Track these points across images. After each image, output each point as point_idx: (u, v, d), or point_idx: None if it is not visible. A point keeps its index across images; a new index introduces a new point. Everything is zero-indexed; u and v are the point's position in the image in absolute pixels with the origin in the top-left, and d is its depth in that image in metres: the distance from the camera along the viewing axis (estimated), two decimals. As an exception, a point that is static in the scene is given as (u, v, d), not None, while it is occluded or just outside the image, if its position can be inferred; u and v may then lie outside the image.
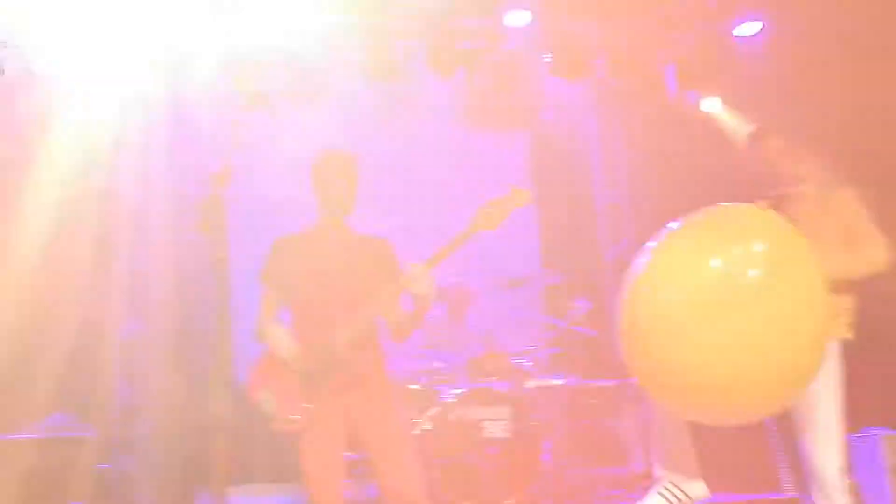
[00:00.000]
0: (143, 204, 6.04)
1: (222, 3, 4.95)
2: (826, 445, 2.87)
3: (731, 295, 2.43)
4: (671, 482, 2.96)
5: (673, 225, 2.71)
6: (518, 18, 5.73)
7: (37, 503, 4.12)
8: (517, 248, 6.55)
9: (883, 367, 3.85)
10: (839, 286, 2.77)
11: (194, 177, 4.85)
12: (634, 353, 2.64)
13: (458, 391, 4.55)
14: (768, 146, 3.11)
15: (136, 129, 5.21)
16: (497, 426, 4.46)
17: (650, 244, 2.69)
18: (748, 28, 5.63)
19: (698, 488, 2.97)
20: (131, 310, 5.83)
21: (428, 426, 4.40)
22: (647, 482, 5.42)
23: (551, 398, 5.11)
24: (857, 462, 3.68)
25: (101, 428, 4.76)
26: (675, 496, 2.93)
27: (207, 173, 3.01)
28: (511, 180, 6.32)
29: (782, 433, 3.11)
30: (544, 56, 6.17)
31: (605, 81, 6.45)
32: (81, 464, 4.27)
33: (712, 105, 6.11)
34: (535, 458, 4.44)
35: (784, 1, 5.42)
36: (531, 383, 4.93)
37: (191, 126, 5.53)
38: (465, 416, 4.46)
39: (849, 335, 2.91)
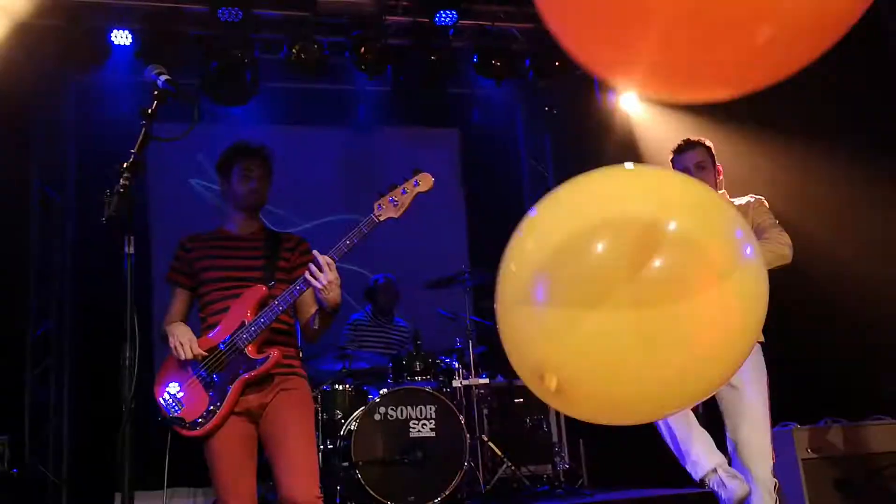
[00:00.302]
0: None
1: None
2: (760, 443, 3.01)
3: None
4: (718, 467, 3.01)
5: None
6: (447, 17, 5.75)
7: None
8: (446, 247, 6.57)
9: (789, 364, 3.97)
10: None
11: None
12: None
13: (385, 391, 4.52)
14: (687, 157, 3.22)
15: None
16: (423, 425, 4.45)
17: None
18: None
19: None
20: (42, 310, 5.64)
21: (354, 426, 4.36)
22: (570, 479, 5.57)
23: (478, 397, 5.13)
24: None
25: (13, 431, 4.59)
26: (728, 475, 2.99)
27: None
28: (441, 180, 6.42)
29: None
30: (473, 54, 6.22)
31: (531, 82, 6.53)
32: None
33: (633, 108, 6.24)
34: (461, 458, 4.43)
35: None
36: (458, 382, 4.93)
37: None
38: (391, 416, 4.44)
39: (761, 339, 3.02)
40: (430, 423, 4.47)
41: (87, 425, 5.49)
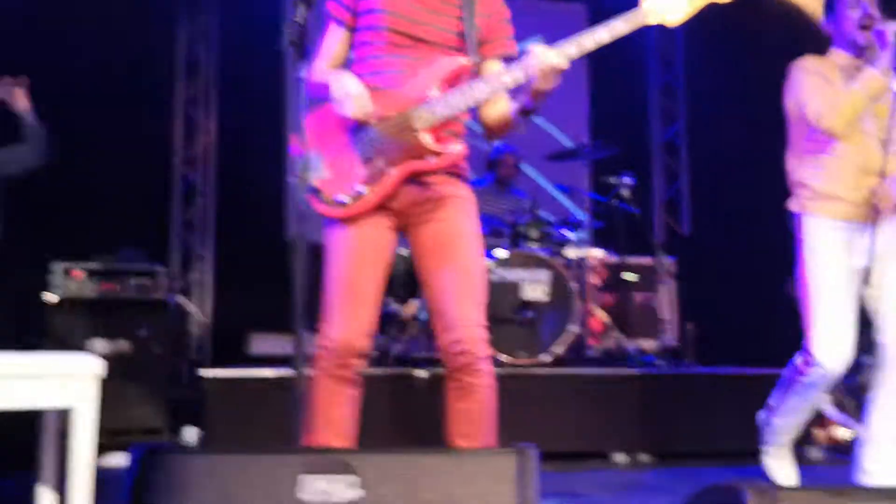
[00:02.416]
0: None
1: None
2: None
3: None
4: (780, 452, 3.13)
5: None
6: None
7: None
8: (567, 119, 6.58)
9: None
10: None
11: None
12: None
13: (501, 253, 4.72)
14: None
15: None
16: (536, 288, 4.66)
17: None
18: None
19: None
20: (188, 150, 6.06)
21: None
22: (674, 357, 5.71)
23: (590, 269, 5.28)
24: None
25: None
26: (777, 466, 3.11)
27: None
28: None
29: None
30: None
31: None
32: None
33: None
34: (570, 322, 4.65)
35: None
36: (572, 253, 5.08)
37: None
38: (505, 278, 4.66)
39: None
40: (543, 287, 4.68)
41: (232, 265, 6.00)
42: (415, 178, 2.25)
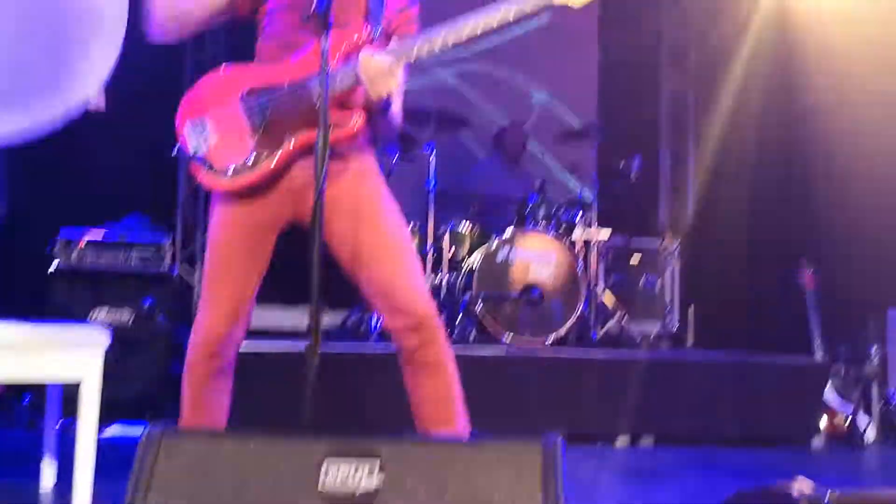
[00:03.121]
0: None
1: None
2: None
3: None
4: None
5: None
6: None
7: None
8: (575, 99, 6.52)
9: None
10: None
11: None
12: None
13: (508, 233, 4.69)
14: None
15: None
16: (542, 269, 4.64)
17: None
18: None
19: None
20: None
21: (476, 263, 4.59)
22: (677, 341, 5.72)
23: (596, 250, 5.25)
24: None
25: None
26: None
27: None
28: (577, 32, 6.31)
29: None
30: None
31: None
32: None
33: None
34: (576, 303, 4.63)
35: None
36: (578, 234, 5.05)
37: None
38: (512, 257, 4.63)
39: None
40: (549, 268, 4.65)
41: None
42: (308, 151, 2.04)
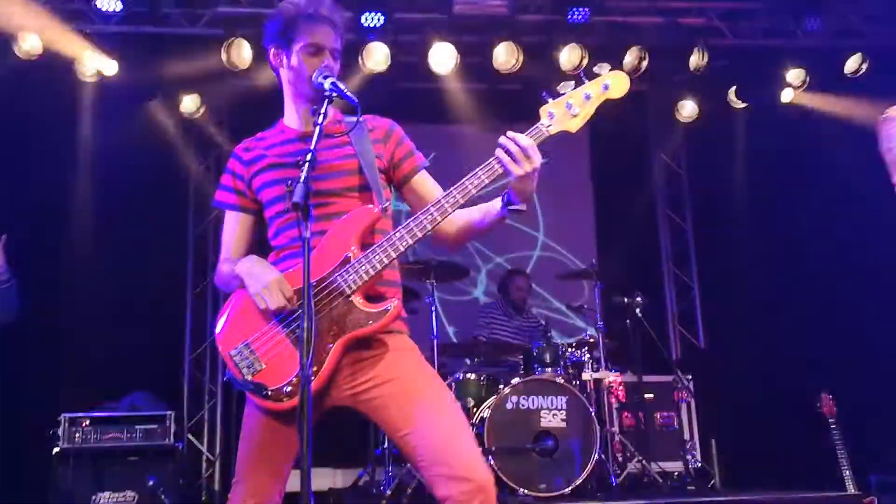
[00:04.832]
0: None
1: None
2: None
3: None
4: None
5: None
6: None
7: None
8: (576, 240, 6.60)
9: None
10: None
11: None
12: None
13: (517, 380, 4.62)
14: None
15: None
16: (554, 415, 4.53)
17: None
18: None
19: None
20: (198, 301, 6.06)
21: (486, 414, 4.50)
22: (701, 478, 5.50)
23: (608, 390, 5.16)
24: None
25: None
26: None
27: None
28: (570, 177, 6.46)
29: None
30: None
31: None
32: None
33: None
34: (592, 449, 4.49)
35: None
36: (588, 375, 4.98)
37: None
38: (522, 405, 4.54)
39: None
40: (561, 414, 4.55)
41: (239, 405, 5.87)
42: (355, 346, 2.07)
